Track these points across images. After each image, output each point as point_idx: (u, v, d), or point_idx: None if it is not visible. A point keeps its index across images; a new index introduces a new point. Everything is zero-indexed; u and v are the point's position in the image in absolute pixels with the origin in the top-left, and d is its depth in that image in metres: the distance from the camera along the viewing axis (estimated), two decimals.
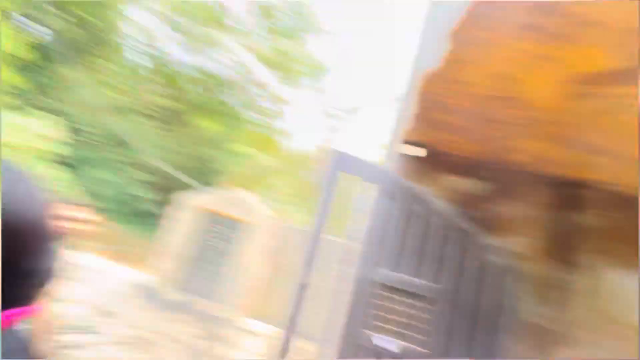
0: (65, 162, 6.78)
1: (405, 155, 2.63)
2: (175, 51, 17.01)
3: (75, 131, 9.91)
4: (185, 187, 12.89)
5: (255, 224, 6.49)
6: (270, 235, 6.63)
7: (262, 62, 8.22)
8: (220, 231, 6.42)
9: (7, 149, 4.57)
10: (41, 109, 9.56)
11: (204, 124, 16.83)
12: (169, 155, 13.28)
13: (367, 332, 2.17)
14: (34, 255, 0.46)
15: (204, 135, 14.62)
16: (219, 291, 6.19)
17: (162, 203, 14.49)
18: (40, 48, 7.70)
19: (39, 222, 0.47)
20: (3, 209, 0.42)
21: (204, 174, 13.25)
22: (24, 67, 7.28)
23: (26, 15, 10.02)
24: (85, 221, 2.16)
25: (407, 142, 2.59)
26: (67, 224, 2.01)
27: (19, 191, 0.45)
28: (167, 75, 17.45)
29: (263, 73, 8.02)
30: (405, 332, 2.21)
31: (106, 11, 14.32)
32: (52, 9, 11.16)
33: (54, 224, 0.50)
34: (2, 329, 0.43)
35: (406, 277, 2.25)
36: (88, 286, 5.78)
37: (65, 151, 5.60)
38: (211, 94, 15.90)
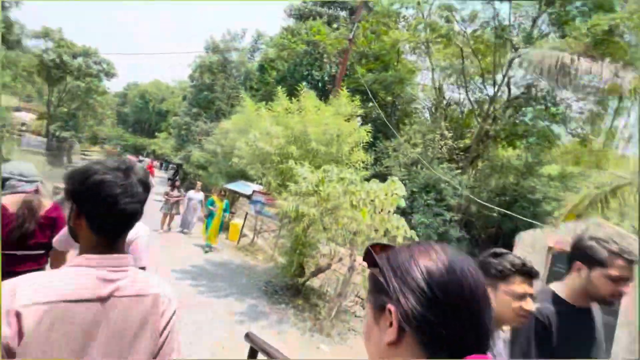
0: (402, 212, 7.97)
1: None
2: (459, 93, 17.60)
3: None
4: (505, 222, 12.08)
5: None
6: None
7: (574, 56, 6.76)
8: None
9: (371, 207, 5.96)
10: (380, 174, 12.32)
11: (507, 153, 15.70)
12: (478, 193, 13.13)
13: None
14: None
15: (511, 165, 13.50)
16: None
17: (479, 242, 14.18)
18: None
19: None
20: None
21: (524, 207, 11.95)
22: (363, 147, 9.54)
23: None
24: None
25: None
26: None
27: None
28: (458, 119, 18.18)
29: (582, 67, 6.55)
30: None
31: (403, 86, 17.29)
32: (370, 96, 14.78)
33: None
34: None
35: None
36: None
37: (402, 202, 6.54)
38: (508, 120, 14.78)
